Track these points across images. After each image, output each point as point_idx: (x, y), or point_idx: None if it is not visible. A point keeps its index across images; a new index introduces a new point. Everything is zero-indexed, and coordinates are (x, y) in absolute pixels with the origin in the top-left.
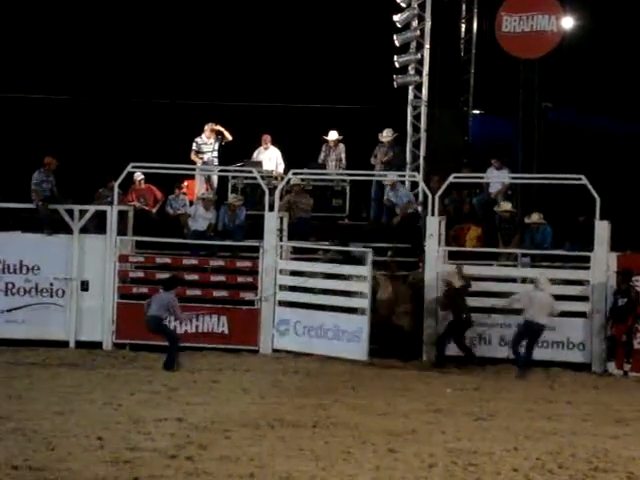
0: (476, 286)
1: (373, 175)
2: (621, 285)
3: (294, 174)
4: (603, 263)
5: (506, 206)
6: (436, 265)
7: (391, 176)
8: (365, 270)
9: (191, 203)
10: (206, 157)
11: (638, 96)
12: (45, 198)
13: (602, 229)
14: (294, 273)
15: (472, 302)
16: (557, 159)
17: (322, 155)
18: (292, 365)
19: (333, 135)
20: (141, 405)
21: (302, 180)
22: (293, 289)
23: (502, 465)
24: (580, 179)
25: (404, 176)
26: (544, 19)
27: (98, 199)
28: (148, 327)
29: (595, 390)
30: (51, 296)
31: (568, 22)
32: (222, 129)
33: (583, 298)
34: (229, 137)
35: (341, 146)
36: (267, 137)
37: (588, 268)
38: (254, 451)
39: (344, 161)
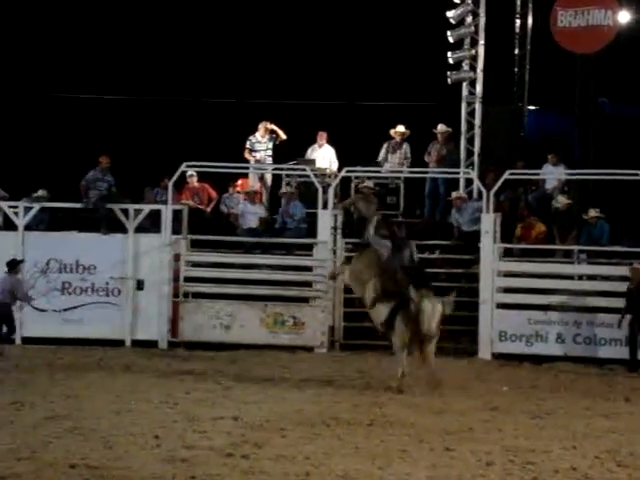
0: (533, 283)
1: (427, 172)
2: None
3: (348, 171)
4: None
5: (564, 200)
6: (492, 263)
7: (455, 194)
8: None
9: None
10: (259, 155)
11: None
12: (100, 197)
13: None
14: None
15: (529, 299)
16: (614, 154)
17: (383, 152)
18: (347, 362)
19: (400, 129)
20: (196, 404)
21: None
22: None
23: (560, 464)
24: (637, 174)
25: (458, 173)
26: (600, 13)
27: (146, 197)
28: None
29: None
30: (107, 295)
31: (624, 16)
32: (276, 128)
33: None
34: (283, 136)
35: (406, 145)
36: (323, 134)
37: None
38: (310, 450)
39: (409, 158)
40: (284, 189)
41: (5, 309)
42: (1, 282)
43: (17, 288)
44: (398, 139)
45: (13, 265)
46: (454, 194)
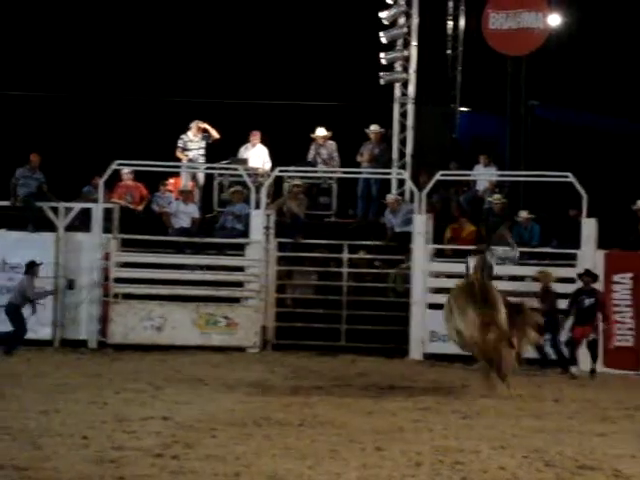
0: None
1: (360, 172)
2: (587, 286)
3: (281, 171)
4: (590, 261)
5: (500, 198)
6: (424, 263)
7: (390, 197)
8: None
9: (176, 200)
10: (192, 154)
11: (624, 92)
12: (29, 195)
13: (589, 227)
14: None
15: None
16: (544, 156)
17: (311, 153)
18: (278, 362)
19: (321, 132)
20: (126, 404)
21: (300, 179)
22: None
23: (489, 463)
24: (567, 176)
25: (391, 173)
26: (531, 16)
27: (83, 198)
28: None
29: (582, 388)
30: None
31: (555, 19)
32: (209, 127)
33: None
34: (216, 135)
35: (331, 143)
36: (256, 133)
37: (575, 266)
38: (240, 450)
39: (337, 159)
40: (234, 189)
41: (12, 309)
42: (17, 283)
43: (27, 289)
44: (321, 141)
45: (30, 266)
46: (389, 197)
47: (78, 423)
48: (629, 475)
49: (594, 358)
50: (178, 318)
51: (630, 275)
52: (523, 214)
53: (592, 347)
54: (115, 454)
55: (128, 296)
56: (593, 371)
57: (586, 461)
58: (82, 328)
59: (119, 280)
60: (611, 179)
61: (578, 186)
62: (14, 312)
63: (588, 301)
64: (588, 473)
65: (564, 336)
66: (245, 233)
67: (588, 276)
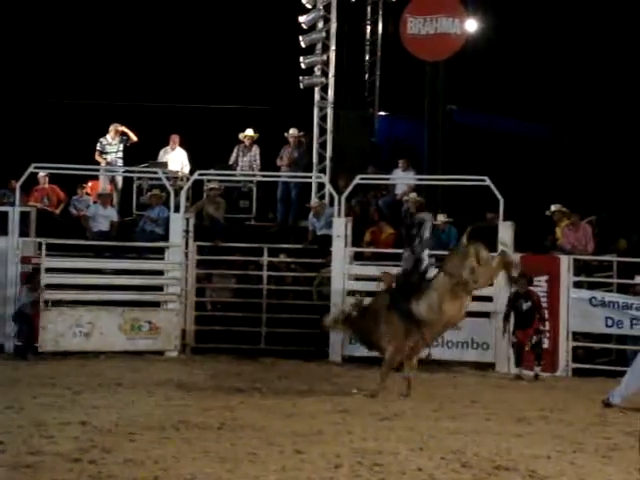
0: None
1: (280, 177)
2: (521, 289)
3: (200, 175)
4: None
5: (416, 197)
6: (343, 266)
7: (315, 201)
8: None
9: (94, 203)
10: (110, 158)
11: (541, 97)
12: None
13: (506, 230)
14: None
15: None
16: (462, 160)
17: (234, 156)
18: (198, 366)
19: (249, 132)
20: (44, 409)
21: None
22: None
23: (407, 465)
24: (484, 180)
25: (310, 177)
26: (448, 21)
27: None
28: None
29: (499, 389)
30: None
31: (472, 25)
32: (127, 130)
33: (487, 298)
34: (134, 138)
35: (255, 148)
36: (175, 137)
37: None
38: (159, 454)
39: (258, 162)
40: (152, 192)
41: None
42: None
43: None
44: (247, 143)
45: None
46: (314, 201)
47: None
48: (544, 476)
49: (538, 360)
50: (105, 324)
51: (546, 278)
52: (441, 217)
53: (536, 349)
54: (32, 459)
55: (57, 303)
56: (537, 375)
57: (502, 462)
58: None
59: (49, 286)
60: (527, 184)
61: (495, 190)
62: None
63: (526, 305)
64: (504, 474)
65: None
66: (165, 237)
67: (523, 278)
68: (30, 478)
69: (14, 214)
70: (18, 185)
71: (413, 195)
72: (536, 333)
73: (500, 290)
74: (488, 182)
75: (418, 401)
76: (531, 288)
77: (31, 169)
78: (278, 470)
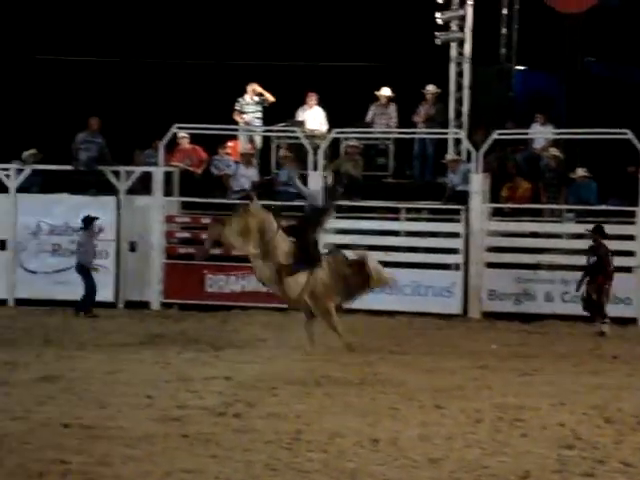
0: (522, 242)
1: (416, 133)
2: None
3: (337, 133)
4: None
5: (554, 151)
6: (481, 222)
7: (449, 157)
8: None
9: (235, 163)
10: (248, 117)
11: None
12: (90, 159)
13: None
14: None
15: (518, 258)
16: (601, 114)
17: (370, 114)
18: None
19: (386, 91)
20: (189, 364)
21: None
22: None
23: (548, 420)
24: (626, 133)
25: (447, 133)
26: None
27: (137, 159)
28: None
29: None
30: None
31: None
32: (263, 91)
33: (628, 253)
34: (271, 98)
35: (392, 106)
36: (313, 95)
37: (634, 223)
38: (301, 408)
39: (395, 120)
40: (281, 153)
41: (79, 268)
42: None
43: (82, 244)
44: (384, 101)
45: (86, 222)
46: (448, 157)
47: (142, 383)
48: None
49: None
50: None
51: None
52: (580, 172)
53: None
54: (179, 412)
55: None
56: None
57: None
58: (145, 290)
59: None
60: None
61: (637, 143)
62: (82, 271)
63: (592, 259)
64: None
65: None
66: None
67: (592, 232)
68: (177, 431)
69: (158, 174)
70: (162, 145)
71: (552, 150)
72: (597, 288)
73: None
74: (630, 135)
75: (558, 356)
76: (604, 243)
77: (174, 129)
78: (419, 425)
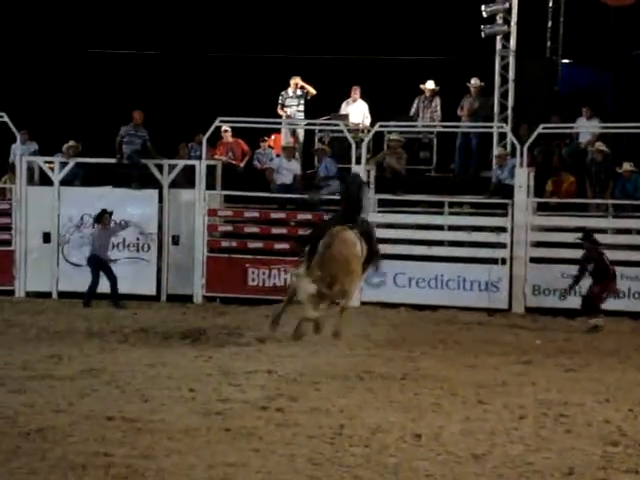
0: (566, 237)
1: (460, 127)
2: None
3: (381, 126)
4: None
5: (600, 145)
6: (526, 217)
7: (498, 151)
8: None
9: (277, 157)
10: (290, 111)
11: None
12: (134, 152)
13: None
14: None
15: (562, 253)
16: None
17: (414, 107)
18: (381, 317)
19: (430, 85)
20: (231, 357)
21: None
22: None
23: (593, 416)
24: None
25: (492, 127)
26: None
27: (180, 153)
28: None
29: None
30: (137, 251)
31: None
32: (305, 84)
33: None
34: (313, 92)
35: (436, 99)
36: (356, 89)
37: None
38: (343, 403)
39: (439, 113)
40: (317, 146)
41: (91, 261)
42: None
43: (95, 239)
44: (428, 94)
45: (99, 216)
46: (497, 152)
47: (184, 376)
48: None
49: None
50: None
51: None
52: (627, 166)
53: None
54: (221, 406)
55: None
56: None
57: None
58: (188, 283)
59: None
60: None
61: None
62: (93, 264)
63: (590, 267)
64: None
65: None
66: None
67: (584, 239)
68: (220, 425)
69: (201, 167)
70: (204, 139)
71: (598, 144)
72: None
73: None
74: None
75: (604, 353)
76: (594, 247)
77: (217, 123)
78: (462, 420)
